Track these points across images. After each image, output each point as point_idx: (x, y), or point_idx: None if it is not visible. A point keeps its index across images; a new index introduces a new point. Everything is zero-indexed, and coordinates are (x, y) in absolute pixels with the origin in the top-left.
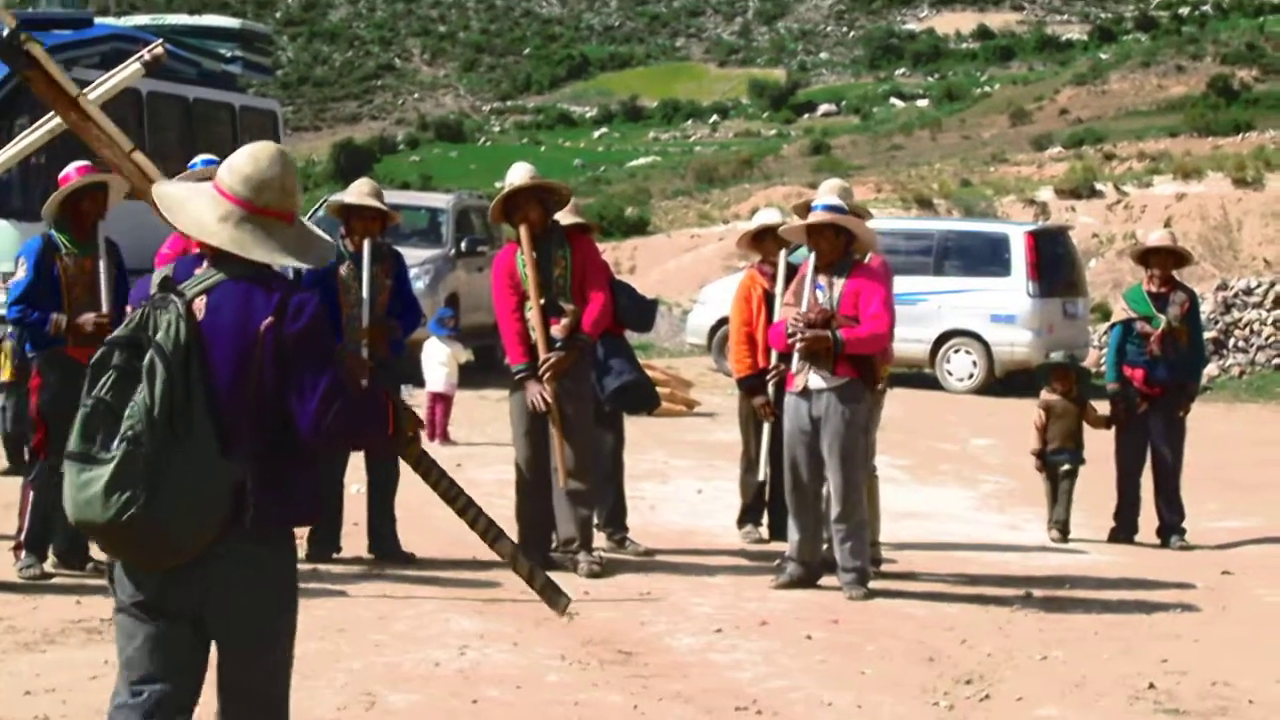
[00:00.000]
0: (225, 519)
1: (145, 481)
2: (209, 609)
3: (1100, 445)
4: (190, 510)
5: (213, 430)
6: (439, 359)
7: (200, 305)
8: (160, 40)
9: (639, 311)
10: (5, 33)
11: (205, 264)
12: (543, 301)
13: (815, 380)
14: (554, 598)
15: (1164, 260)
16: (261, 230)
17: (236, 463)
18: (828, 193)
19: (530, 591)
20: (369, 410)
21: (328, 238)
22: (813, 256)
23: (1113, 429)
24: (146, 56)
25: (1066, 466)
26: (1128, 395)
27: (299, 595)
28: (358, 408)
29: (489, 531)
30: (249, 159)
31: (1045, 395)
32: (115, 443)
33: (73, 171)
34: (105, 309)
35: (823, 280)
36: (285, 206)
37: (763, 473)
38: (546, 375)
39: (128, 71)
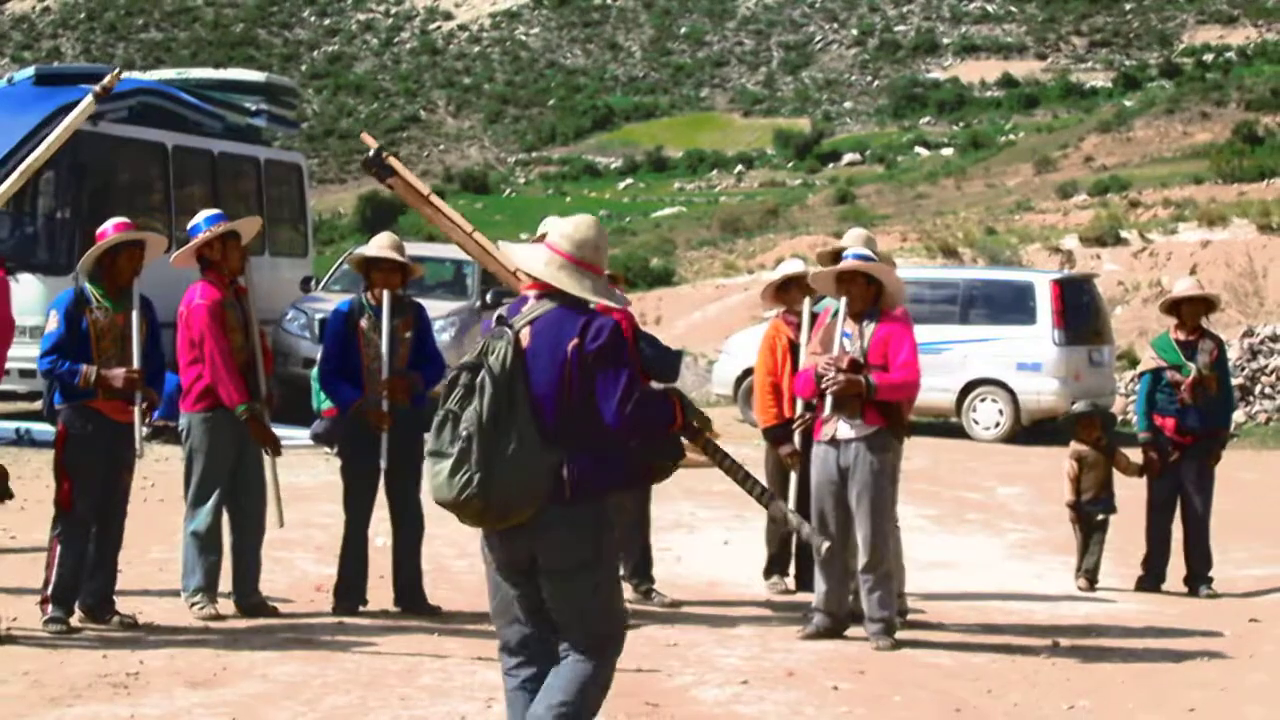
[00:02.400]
0: (548, 493)
1: (478, 468)
2: (541, 564)
3: (1126, 491)
4: (515, 488)
5: (534, 427)
6: None
7: (526, 333)
8: (116, 69)
9: (664, 362)
10: (371, 153)
11: (530, 301)
12: None
13: (844, 430)
14: (813, 538)
15: (1194, 308)
16: (578, 274)
17: (555, 451)
18: (855, 242)
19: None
20: (659, 406)
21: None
22: (842, 303)
23: (1144, 477)
24: (97, 88)
25: (1102, 516)
26: (1160, 444)
27: (609, 555)
28: (650, 403)
29: (762, 495)
30: (574, 226)
31: (1075, 446)
32: (455, 441)
33: (110, 228)
34: (136, 364)
35: (851, 328)
36: (596, 261)
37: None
38: None
39: (84, 104)
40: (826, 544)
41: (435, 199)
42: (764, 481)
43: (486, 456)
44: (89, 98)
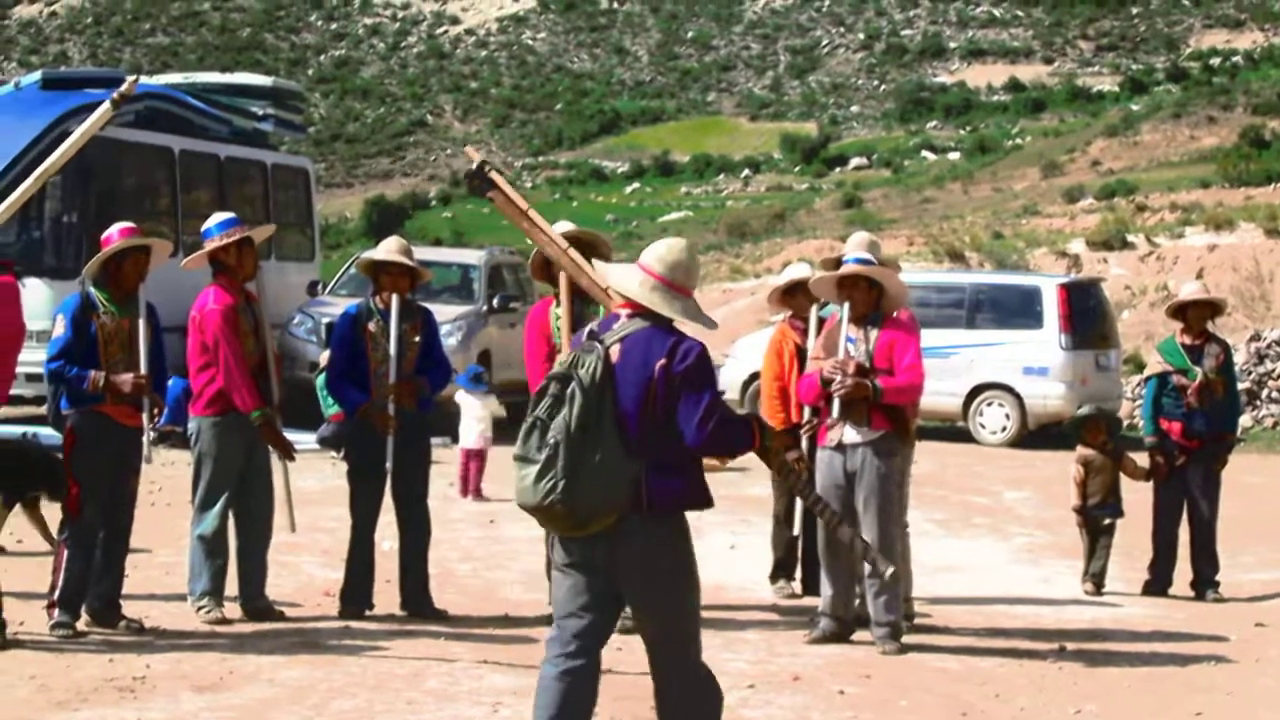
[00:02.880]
0: (628, 503)
1: (563, 475)
2: (620, 569)
3: (1133, 495)
4: (598, 496)
5: (619, 439)
6: (474, 414)
7: (616, 349)
8: (133, 77)
9: None
10: (474, 167)
11: (622, 319)
12: None
13: (850, 434)
14: (877, 562)
15: (1200, 312)
16: (670, 296)
17: (637, 463)
18: (856, 247)
19: None
20: (739, 428)
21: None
22: (845, 308)
23: (1150, 481)
24: (114, 95)
25: (1109, 520)
26: (1166, 448)
27: (688, 560)
28: (730, 424)
29: (855, 542)
30: (667, 249)
31: (1081, 450)
32: (542, 447)
33: (115, 233)
34: (143, 369)
35: (855, 333)
36: (687, 284)
37: (796, 528)
38: None
39: (100, 111)
40: (892, 569)
41: (533, 214)
42: (772, 487)
43: (572, 464)
44: (106, 105)
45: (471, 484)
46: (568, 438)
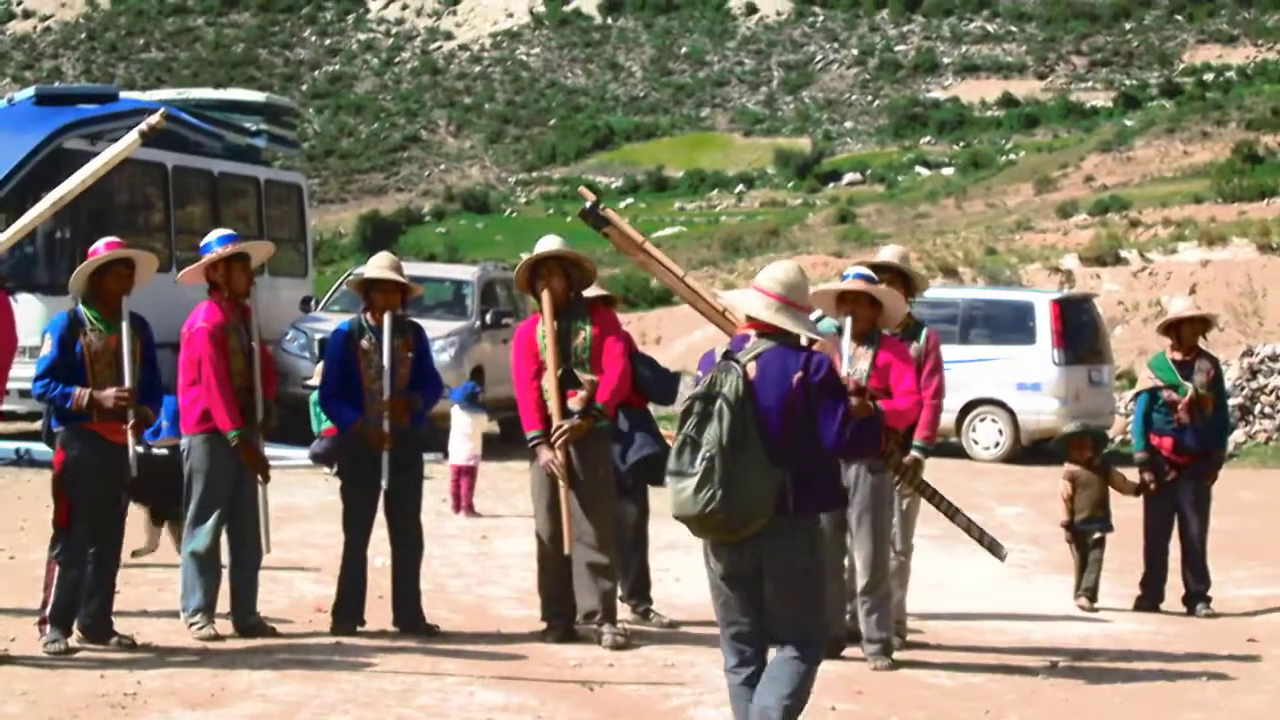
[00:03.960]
0: (775, 508)
1: (719, 485)
2: (767, 570)
3: (1124, 511)
4: (751, 503)
5: (763, 449)
6: (464, 430)
7: (752, 367)
8: (162, 109)
9: (661, 384)
10: (589, 205)
11: (752, 339)
12: (560, 372)
13: None
14: (995, 547)
15: (1193, 328)
16: (792, 314)
17: (780, 470)
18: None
19: (554, 665)
20: (870, 431)
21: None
22: (847, 323)
23: (1140, 497)
24: (145, 127)
25: (1097, 535)
26: (1157, 464)
27: (820, 560)
28: (863, 429)
29: (971, 529)
30: (783, 271)
31: (1068, 466)
32: (697, 461)
33: (101, 247)
34: (128, 384)
35: (853, 351)
36: (803, 301)
37: None
38: (559, 442)
39: (127, 141)
40: (1007, 552)
41: (649, 246)
42: None
43: (726, 475)
44: (134, 136)
45: (464, 500)
46: (720, 451)
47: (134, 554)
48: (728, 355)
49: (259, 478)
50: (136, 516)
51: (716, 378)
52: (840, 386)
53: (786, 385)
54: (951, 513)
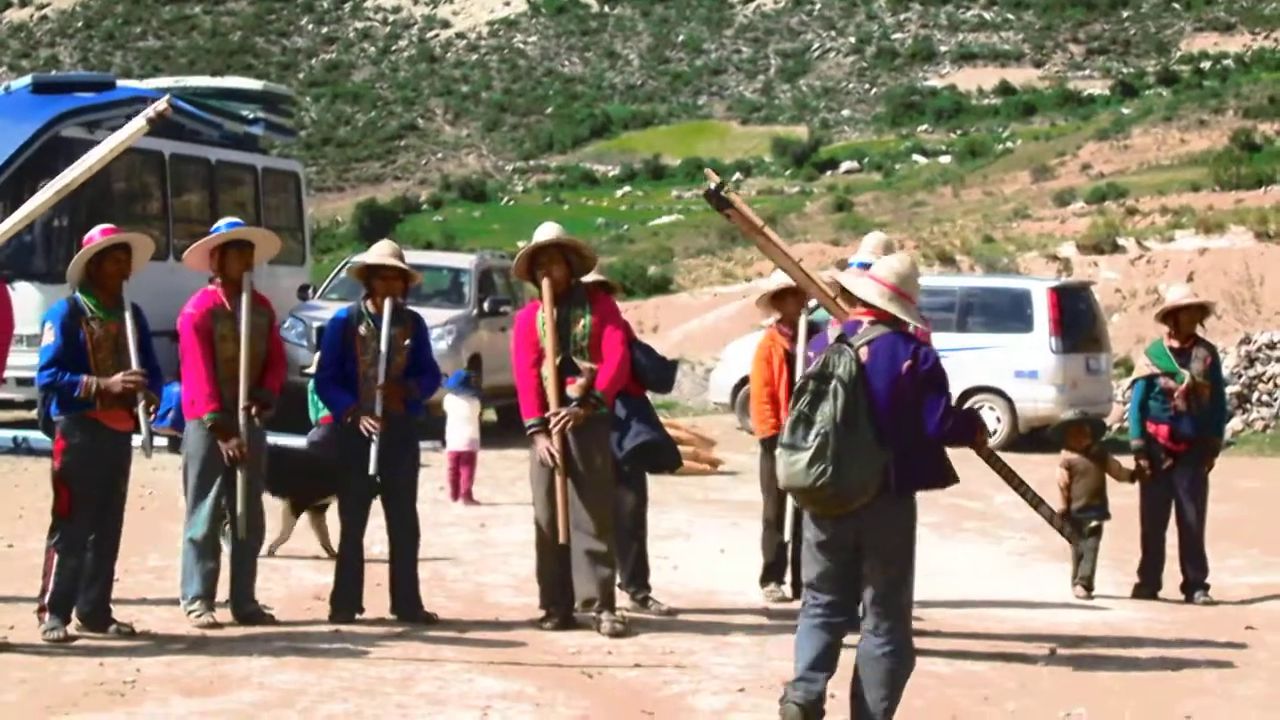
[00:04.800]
0: (879, 485)
1: (830, 461)
2: (865, 543)
3: (1122, 499)
4: (858, 480)
5: (872, 429)
6: (462, 417)
7: (864, 351)
8: (166, 96)
9: (659, 372)
10: (713, 186)
11: (865, 324)
12: (559, 359)
13: None
14: (1073, 536)
15: (1192, 316)
16: (903, 304)
17: (886, 450)
18: (870, 249)
19: (553, 653)
20: (968, 421)
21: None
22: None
23: (1137, 484)
24: (151, 113)
25: (1095, 523)
26: (1153, 451)
27: (913, 538)
28: (963, 418)
29: (1053, 520)
30: (898, 262)
31: (1065, 454)
32: (810, 437)
33: (96, 234)
34: (135, 367)
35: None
36: (913, 291)
37: (786, 533)
38: (557, 429)
39: (133, 129)
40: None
41: (768, 230)
42: (761, 492)
43: (838, 452)
44: (140, 122)
45: (462, 488)
46: (834, 428)
47: (270, 549)
48: (841, 338)
49: (237, 462)
50: (275, 508)
51: (830, 359)
52: (945, 379)
53: (896, 371)
54: (1036, 502)
